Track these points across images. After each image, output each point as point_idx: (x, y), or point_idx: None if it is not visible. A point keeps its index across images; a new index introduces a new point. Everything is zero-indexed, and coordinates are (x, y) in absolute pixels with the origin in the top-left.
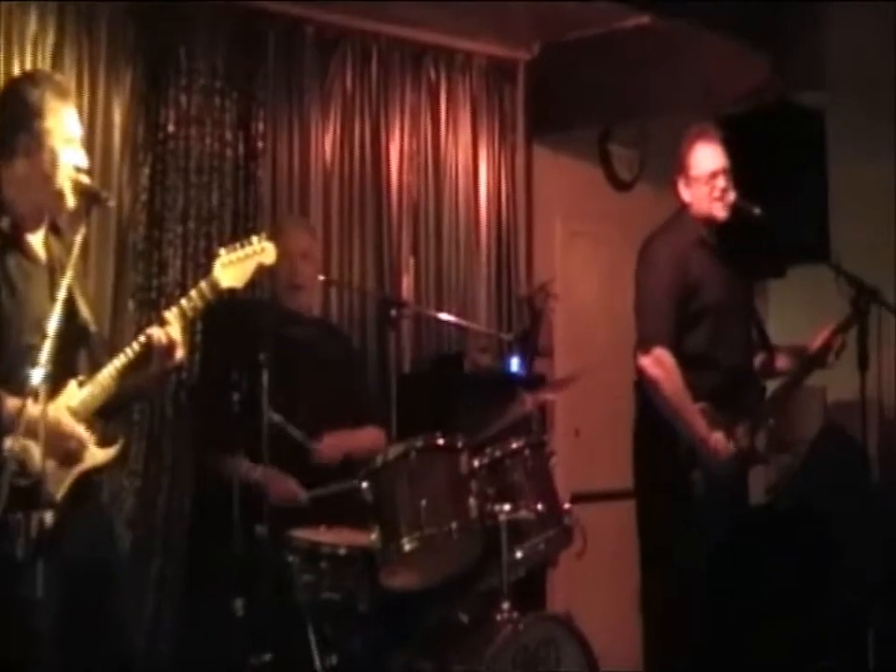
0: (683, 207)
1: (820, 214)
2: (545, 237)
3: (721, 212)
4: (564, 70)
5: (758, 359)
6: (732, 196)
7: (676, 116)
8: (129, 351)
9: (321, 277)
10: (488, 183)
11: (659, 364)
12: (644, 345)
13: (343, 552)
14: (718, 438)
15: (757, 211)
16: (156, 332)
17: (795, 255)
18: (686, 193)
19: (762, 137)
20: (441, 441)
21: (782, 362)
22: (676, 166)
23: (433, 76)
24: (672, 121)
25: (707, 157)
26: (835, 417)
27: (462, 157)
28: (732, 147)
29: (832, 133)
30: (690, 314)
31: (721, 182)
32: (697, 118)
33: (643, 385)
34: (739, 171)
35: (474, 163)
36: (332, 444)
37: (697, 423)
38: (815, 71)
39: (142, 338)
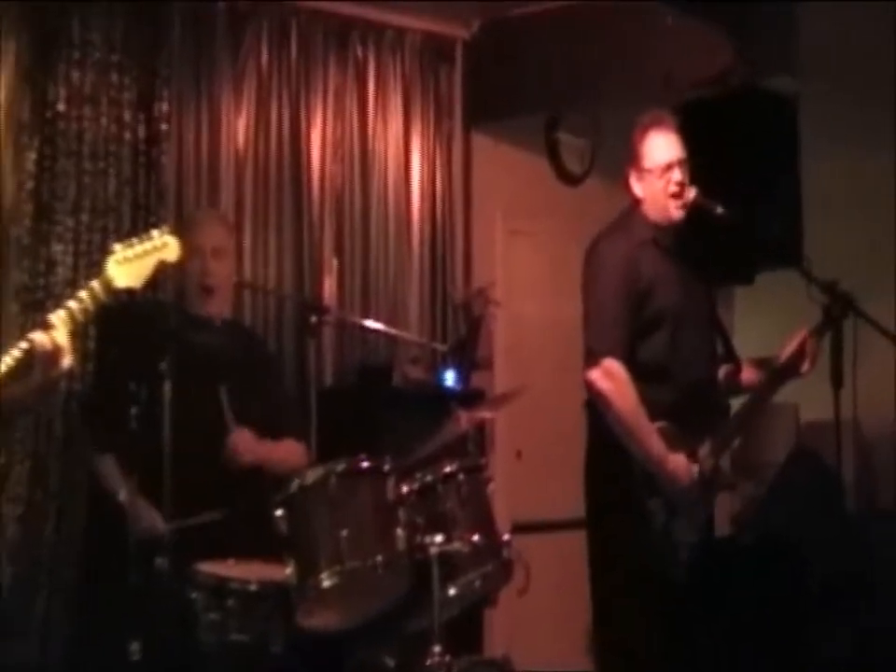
0: (634, 204)
1: (792, 212)
2: (485, 236)
3: (676, 209)
4: (507, 50)
5: (722, 372)
6: (691, 193)
7: (632, 102)
8: (8, 358)
9: (234, 278)
10: (421, 175)
11: (609, 377)
12: (592, 356)
13: (253, 588)
14: (678, 460)
15: (720, 210)
16: (39, 337)
17: (764, 259)
18: (638, 188)
19: (727, 126)
20: (365, 464)
21: (749, 375)
22: (627, 157)
23: (360, 54)
24: (628, 108)
25: (661, 147)
26: (808, 439)
27: (392, 145)
28: (694, 138)
29: (805, 122)
30: (643, 321)
31: (676, 175)
32: (655, 104)
33: (593, 402)
34: (702, 164)
35: (406, 153)
36: (248, 439)
37: (654, 443)
38: (786, 54)
39: (23, 344)
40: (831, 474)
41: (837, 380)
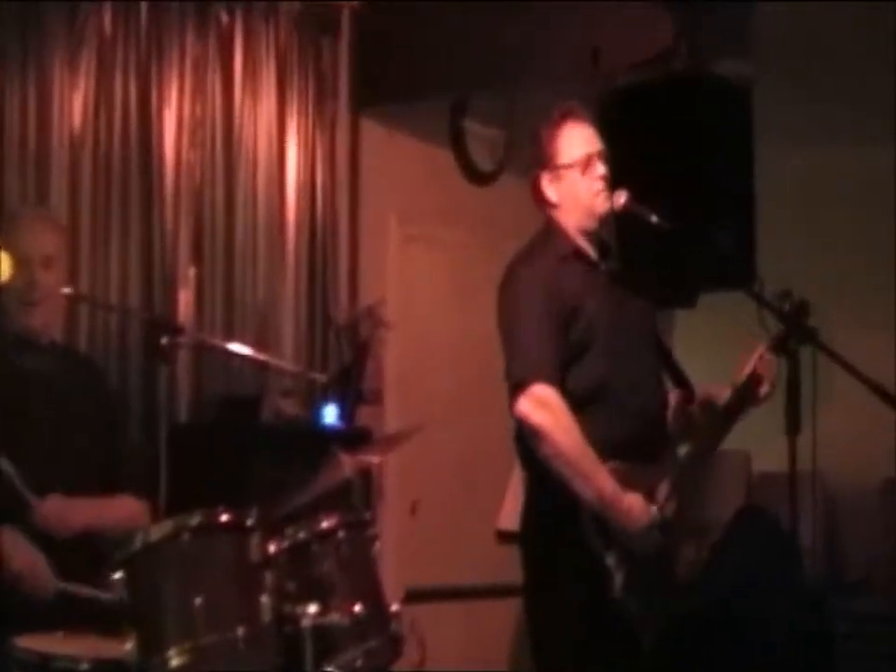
0: (549, 217)
1: (744, 221)
2: (375, 243)
3: (601, 206)
4: (403, 20)
5: (672, 399)
6: (622, 198)
7: (554, 84)
8: None
9: (66, 290)
10: (299, 167)
11: (543, 405)
12: (520, 385)
13: (84, 667)
14: (634, 499)
15: (655, 218)
16: None
17: (709, 277)
18: (553, 191)
19: (669, 117)
20: (224, 518)
21: (710, 400)
22: (535, 160)
23: (224, 21)
24: (549, 92)
25: (577, 139)
26: (760, 493)
27: (263, 130)
28: (628, 130)
29: (761, 113)
30: (571, 344)
31: (599, 168)
32: (580, 87)
33: (525, 440)
34: (637, 161)
35: (280, 140)
36: (59, 508)
37: (604, 479)
38: (740, 35)
39: None
40: (785, 535)
41: (793, 424)
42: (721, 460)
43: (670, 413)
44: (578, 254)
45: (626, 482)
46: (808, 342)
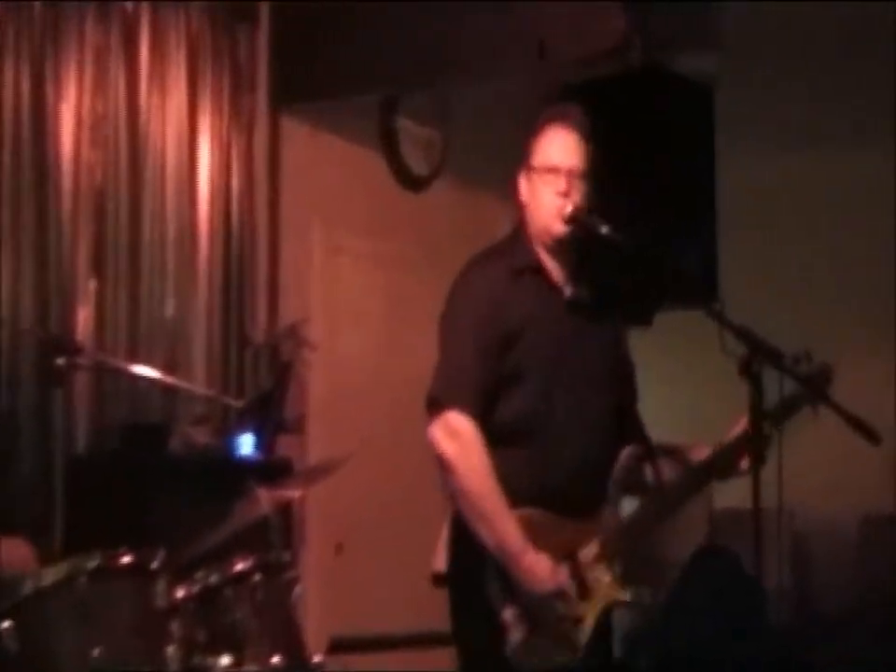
0: (521, 219)
1: (705, 232)
2: (297, 255)
3: (557, 228)
4: (329, 8)
5: (625, 455)
6: (568, 207)
7: (495, 81)
8: None
9: None
10: (212, 170)
11: (452, 435)
12: (434, 407)
13: None
14: (538, 560)
15: (604, 229)
16: None
17: (665, 294)
18: (524, 191)
19: (623, 117)
20: (126, 560)
21: (671, 463)
22: (524, 153)
23: (129, 7)
24: (490, 89)
25: (555, 145)
26: (723, 531)
27: (173, 130)
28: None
29: (724, 113)
30: (506, 371)
31: (560, 184)
32: (522, 82)
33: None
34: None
35: (191, 139)
36: None
37: (507, 527)
38: (702, 27)
39: None
40: (748, 577)
41: (757, 454)
42: None
43: (618, 468)
44: (537, 270)
45: (543, 534)
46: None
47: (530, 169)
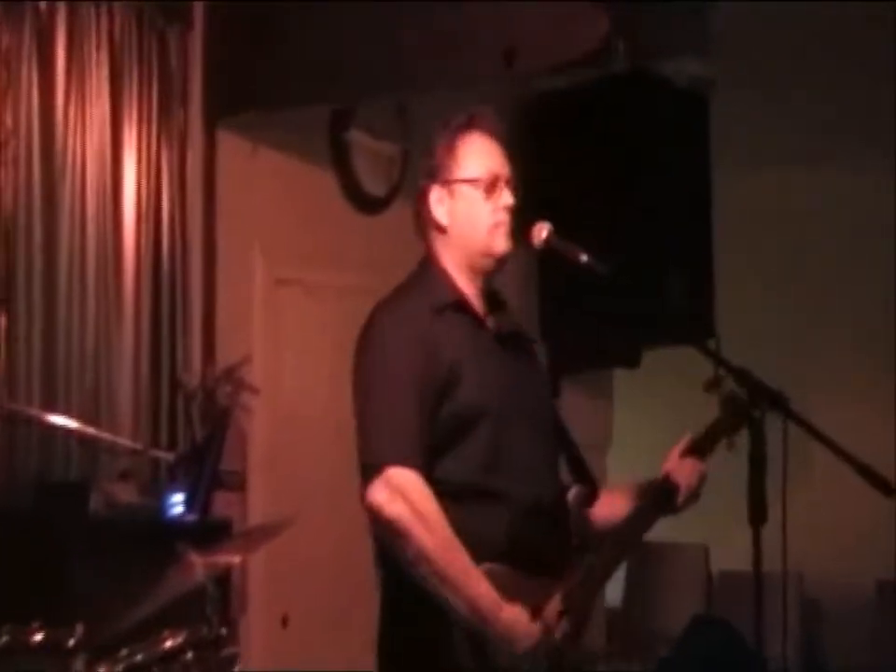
0: (431, 248)
1: (698, 262)
2: (237, 287)
3: (499, 245)
4: (273, 9)
5: (571, 497)
6: (543, 231)
7: (459, 90)
8: None
9: None
10: (139, 190)
11: (401, 495)
12: (373, 470)
13: None
14: (516, 612)
15: (584, 258)
16: None
17: (654, 331)
18: (443, 212)
19: (604, 131)
20: (39, 636)
21: (611, 505)
22: (425, 170)
23: (43, 8)
24: (453, 99)
25: (484, 152)
26: (722, 598)
27: (94, 144)
28: (553, 145)
29: (719, 126)
30: (445, 421)
31: (506, 196)
32: (494, 93)
33: (382, 540)
34: (564, 184)
35: (114, 157)
36: None
37: (478, 587)
38: (694, 31)
39: None
40: (749, 649)
41: (759, 512)
42: (675, 557)
43: (573, 513)
44: (460, 305)
45: (509, 590)
46: (776, 409)
47: (452, 187)
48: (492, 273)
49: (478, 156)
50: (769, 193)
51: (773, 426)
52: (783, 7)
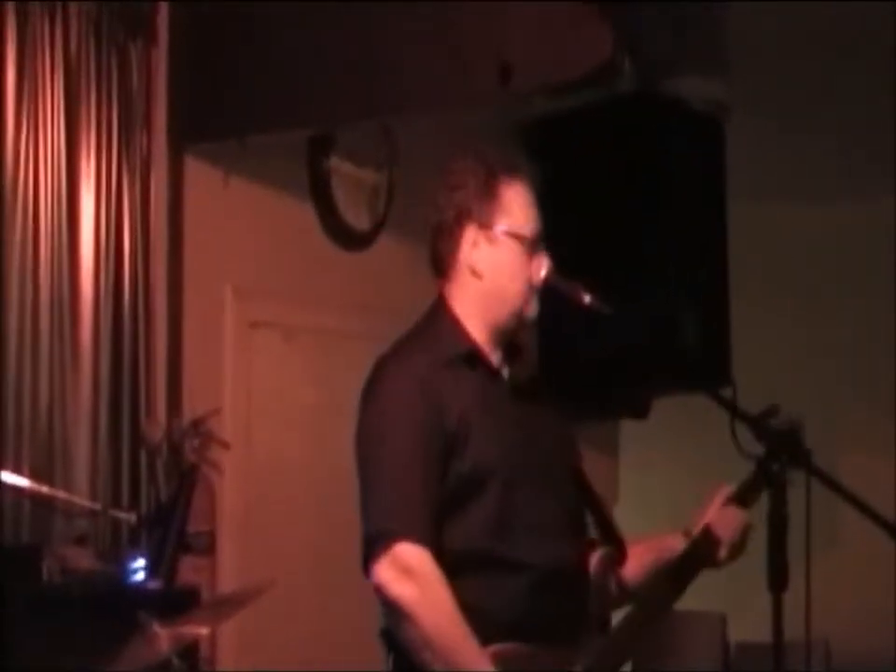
0: (446, 297)
1: (713, 302)
2: (206, 330)
3: (533, 311)
4: (245, 25)
5: (594, 561)
6: (543, 268)
7: (452, 112)
8: None
9: None
10: (97, 224)
11: (408, 574)
12: (378, 544)
13: None
14: None
15: (588, 300)
16: None
17: (664, 378)
18: (479, 256)
19: (611, 156)
20: None
21: (639, 564)
22: (457, 206)
23: None
24: (443, 123)
25: (528, 205)
26: (739, 670)
27: (47, 173)
28: (552, 175)
29: (735, 154)
30: (453, 487)
31: (547, 262)
32: (488, 117)
33: (388, 617)
34: (566, 220)
35: (71, 186)
36: None
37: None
38: (710, 49)
39: None
40: None
41: (779, 577)
42: (689, 626)
43: (594, 578)
44: (473, 357)
45: (525, 669)
46: (800, 466)
47: (496, 232)
48: (511, 334)
49: (528, 210)
50: (787, 228)
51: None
52: (799, 29)
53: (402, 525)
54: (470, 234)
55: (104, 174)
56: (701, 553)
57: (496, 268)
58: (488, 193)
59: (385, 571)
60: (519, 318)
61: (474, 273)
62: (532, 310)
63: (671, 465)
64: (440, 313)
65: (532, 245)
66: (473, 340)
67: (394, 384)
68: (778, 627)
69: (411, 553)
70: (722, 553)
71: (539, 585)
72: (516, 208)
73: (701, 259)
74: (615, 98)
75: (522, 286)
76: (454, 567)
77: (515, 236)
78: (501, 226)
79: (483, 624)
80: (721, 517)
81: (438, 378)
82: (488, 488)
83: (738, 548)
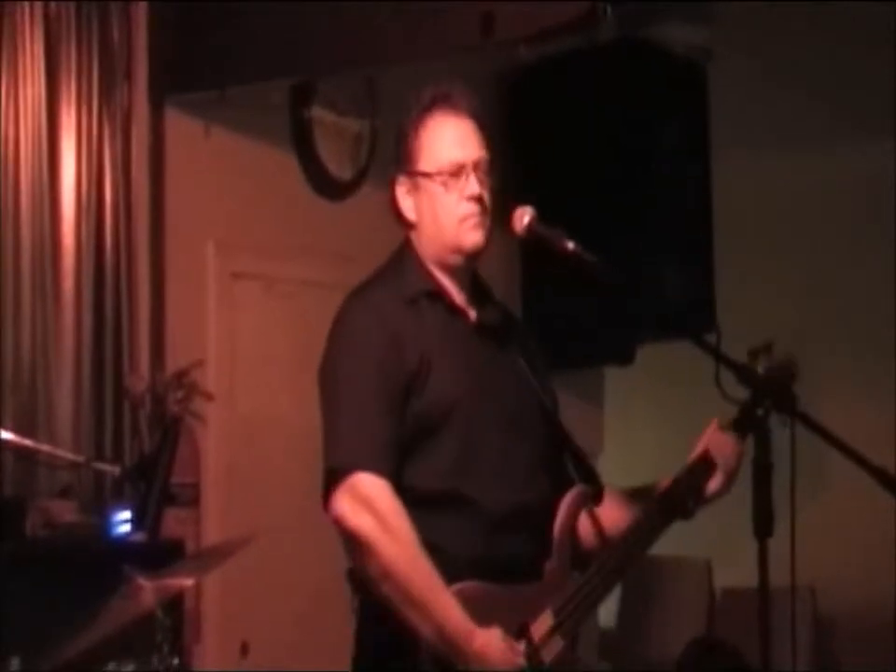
0: (406, 239)
1: (697, 249)
2: (188, 282)
3: (469, 238)
4: None
5: (568, 498)
6: (526, 216)
7: (434, 61)
8: None
9: None
10: (79, 177)
11: (366, 505)
12: (337, 475)
13: None
14: (490, 636)
15: (571, 246)
16: None
17: (649, 325)
18: (409, 205)
19: (593, 105)
20: None
21: (617, 510)
22: (394, 158)
23: None
24: (426, 71)
25: (447, 137)
26: (725, 617)
27: (28, 127)
28: (535, 123)
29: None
30: (414, 422)
31: (472, 185)
32: (472, 65)
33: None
34: (549, 168)
35: (51, 140)
36: None
37: (446, 610)
38: None
39: None
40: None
41: (764, 523)
42: (675, 572)
43: (561, 516)
44: (435, 295)
45: (487, 609)
46: (785, 411)
47: (417, 177)
48: (465, 269)
49: (438, 142)
50: (770, 175)
51: (780, 427)
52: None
53: (360, 458)
54: (402, 186)
55: (84, 126)
56: (696, 476)
57: (421, 213)
58: (410, 140)
59: (343, 503)
60: (461, 252)
61: (410, 222)
62: (471, 241)
63: (657, 414)
64: (403, 254)
65: (450, 176)
66: (436, 279)
67: (354, 320)
68: (764, 573)
69: (369, 484)
70: (715, 482)
71: (499, 525)
72: (429, 146)
73: (685, 206)
74: (598, 46)
75: (449, 220)
76: (413, 505)
77: (428, 175)
78: (416, 168)
79: (442, 563)
80: (718, 440)
81: (399, 315)
82: (448, 427)
83: (732, 476)
